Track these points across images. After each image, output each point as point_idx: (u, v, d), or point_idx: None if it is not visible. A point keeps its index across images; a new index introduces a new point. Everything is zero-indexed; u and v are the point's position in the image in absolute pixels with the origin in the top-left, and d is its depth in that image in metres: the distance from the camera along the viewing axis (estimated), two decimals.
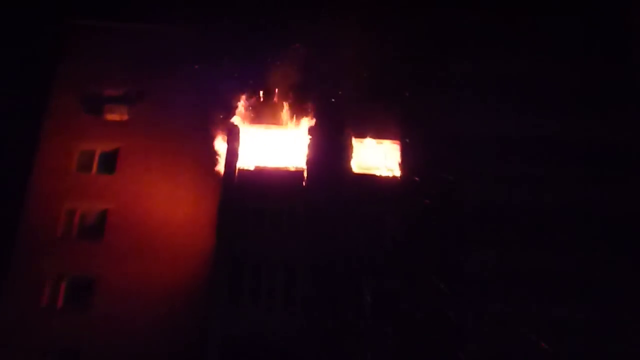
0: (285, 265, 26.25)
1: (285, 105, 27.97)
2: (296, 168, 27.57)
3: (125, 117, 28.44)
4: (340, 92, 27.98)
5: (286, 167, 27.73)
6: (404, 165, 27.80)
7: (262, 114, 27.94)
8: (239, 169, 27.33)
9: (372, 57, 28.05)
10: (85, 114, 28.56)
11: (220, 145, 27.85)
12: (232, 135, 27.62)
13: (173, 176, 27.76)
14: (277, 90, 28.03)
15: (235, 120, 27.71)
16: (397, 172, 27.95)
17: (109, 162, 28.19)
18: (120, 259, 26.96)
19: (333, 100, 27.96)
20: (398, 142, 28.12)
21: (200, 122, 27.65)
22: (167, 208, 27.34)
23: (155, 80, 28.89)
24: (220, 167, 27.51)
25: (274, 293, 25.79)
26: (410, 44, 28.77)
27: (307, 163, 27.49)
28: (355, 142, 28.06)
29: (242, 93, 27.83)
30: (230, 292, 25.60)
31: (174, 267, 26.79)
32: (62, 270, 26.81)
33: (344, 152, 27.78)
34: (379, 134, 28.22)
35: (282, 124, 28.09)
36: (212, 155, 27.75)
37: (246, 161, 27.69)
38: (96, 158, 28.19)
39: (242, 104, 27.73)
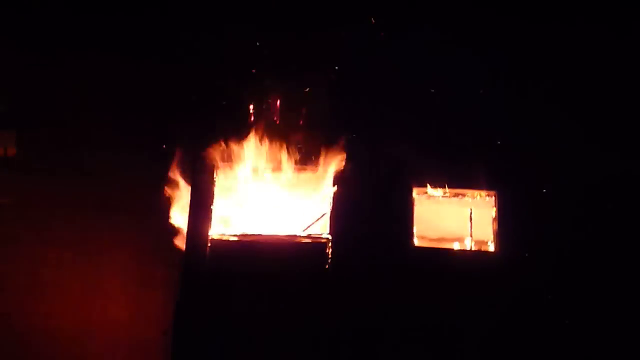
0: None
1: (295, 131, 16.14)
2: (314, 238, 15.64)
3: (13, 152, 16.32)
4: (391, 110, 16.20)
5: (296, 236, 15.73)
6: (503, 234, 15.77)
7: (255, 148, 16.02)
8: (212, 239, 15.50)
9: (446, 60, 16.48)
10: None
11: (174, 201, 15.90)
12: (202, 182, 15.72)
13: (90, 260, 15.67)
14: (278, 104, 16.24)
15: (208, 157, 15.88)
16: (492, 246, 15.99)
17: None
18: None
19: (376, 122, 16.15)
20: (494, 194, 16.11)
21: (140, 161, 15.74)
22: (84, 320, 15.56)
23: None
24: (179, 240, 15.69)
25: None
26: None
27: (333, 229, 15.58)
28: (417, 195, 16.08)
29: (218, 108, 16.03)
30: None
31: None
32: None
33: (399, 212, 15.82)
34: (460, 182, 16.15)
35: (289, 168, 16.13)
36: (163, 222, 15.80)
37: (225, 227, 15.91)
38: None
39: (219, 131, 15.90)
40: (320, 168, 15.89)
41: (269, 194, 15.98)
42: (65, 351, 15.44)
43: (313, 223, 15.83)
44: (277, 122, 16.05)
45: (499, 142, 16.03)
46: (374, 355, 14.84)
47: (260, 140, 15.83)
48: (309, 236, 15.62)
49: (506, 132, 16.13)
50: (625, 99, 16.31)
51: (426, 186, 15.94)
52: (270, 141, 15.88)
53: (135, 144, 15.93)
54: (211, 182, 15.71)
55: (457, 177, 15.96)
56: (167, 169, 15.63)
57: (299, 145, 15.86)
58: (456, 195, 16.06)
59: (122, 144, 16.03)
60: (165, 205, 15.66)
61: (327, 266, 15.31)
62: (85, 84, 16.28)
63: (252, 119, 16.02)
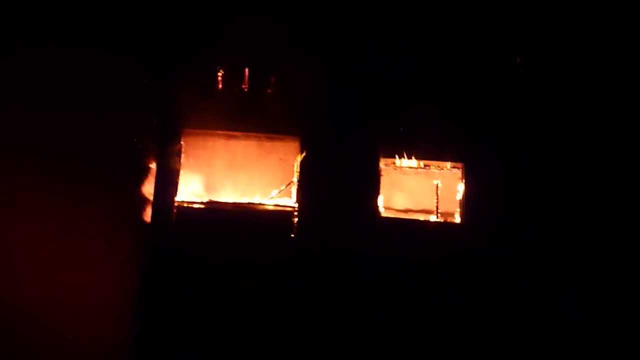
0: None
1: (263, 98, 16.01)
2: (281, 206, 15.62)
3: None
4: (359, 80, 16.11)
5: (262, 205, 15.72)
6: (469, 206, 15.86)
7: (220, 113, 15.91)
8: (178, 205, 15.45)
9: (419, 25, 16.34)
10: None
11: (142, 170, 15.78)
12: (169, 147, 15.59)
13: (55, 226, 15.21)
14: (247, 72, 16.12)
15: (175, 122, 15.72)
16: (457, 218, 16.10)
17: None
18: None
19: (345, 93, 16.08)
20: (460, 165, 16.14)
21: (108, 126, 15.60)
22: (48, 286, 15.31)
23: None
24: (144, 208, 15.59)
25: None
26: None
27: (300, 197, 15.63)
28: (384, 165, 16.09)
29: (187, 75, 15.86)
30: None
31: None
32: None
33: (366, 182, 15.83)
34: (428, 154, 16.19)
35: (254, 132, 16.02)
36: (128, 188, 15.71)
37: (191, 193, 15.85)
38: None
39: (186, 96, 15.75)
40: (288, 137, 15.84)
41: (236, 162, 15.89)
42: (30, 318, 15.25)
43: (279, 191, 15.79)
44: (245, 89, 15.91)
45: (467, 114, 16.01)
46: (339, 322, 14.85)
47: (228, 107, 15.72)
48: (275, 205, 15.60)
49: (474, 104, 16.09)
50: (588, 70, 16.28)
51: (394, 157, 15.94)
52: (238, 109, 15.79)
53: (102, 108, 15.68)
54: (178, 149, 15.63)
55: (424, 148, 15.96)
56: (134, 136, 15.45)
57: (266, 113, 15.78)
58: (424, 166, 16.06)
59: (88, 109, 15.76)
60: (132, 171, 15.50)
61: (292, 234, 15.29)
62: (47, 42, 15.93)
63: (220, 85, 15.88)
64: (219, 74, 15.89)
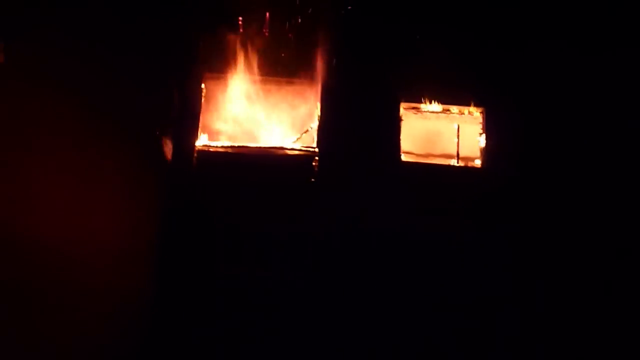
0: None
1: (284, 44, 16.01)
2: (302, 150, 15.66)
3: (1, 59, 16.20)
4: (379, 26, 16.06)
5: (283, 148, 15.75)
6: (490, 150, 15.81)
7: (241, 58, 15.92)
8: (199, 150, 15.50)
9: None
10: None
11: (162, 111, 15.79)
12: (190, 92, 15.63)
13: (76, 170, 15.34)
14: (268, 16, 16.11)
15: (195, 67, 15.76)
16: (478, 162, 16.05)
17: None
18: None
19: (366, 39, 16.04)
20: (481, 109, 16.08)
21: (128, 71, 15.62)
22: (65, 226, 15.50)
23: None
24: (165, 150, 15.63)
25: None
26: None
27: (321, 142, 15.62)
28: (405, 110, 16.02)
29: (207, 21, 15.88)
30: None
31: (91, 322, 15.15)
32: None
33: (386, 127, 15.80)
34: (448, 97, 16.02)
35: (275, 76, 16.03)
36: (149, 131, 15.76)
37: (212, 138, 15.91)
38: None
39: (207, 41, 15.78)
40: (309, 81, 15.83)
41: (258, 106, 15.91)
42: (52, 260, 15.37)
43: (300, 135, 15.81)
44: (267, 34, 15.91)
45: (488, 59, 15.94)
46: (355, 261, 14.88)
47: (249, 52, 15.74)
48: (295, 149, 15.61)
49: (495, 48, 16.01)
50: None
51: (414, 101, 15.90)
52: (259, 53, 15.80)
53: (123, 54, 15.72)
54: (199, 93, 15.68)
55: (445, 92, 15.91)
56: (156, 79, 15.51)
57: (287, 58, 15.78)
58: (444, 111, 16.02)
59: (110, 56, 15.81)
60: (154, 115, 15.56)
61: (313, 178, 15.31)
62: None
63: (242, 30, 15.87)
64: (240, 18, 15.87)
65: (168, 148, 15.38)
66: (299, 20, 15.87)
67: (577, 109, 15.64)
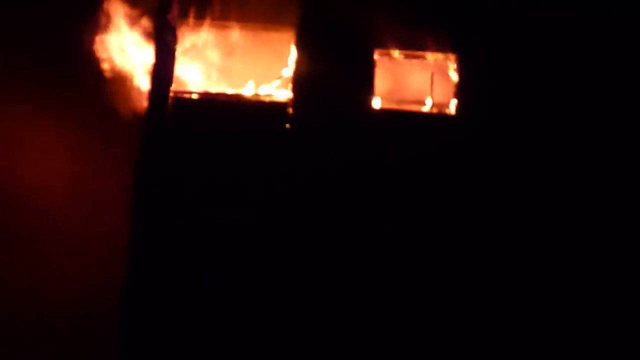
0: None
1: None
2: (275, 98, 15.74)
3: None
4: None
5: (257, 96, 15.83)
6: (464, 95, 15.94)
7: (216, 3, 15.91)
8: (173, 96, 15.56)
9: None
10: None
11: (137, 58, 15.87)
12: (164, 38, 15.66)
13: (52, 115, 15.50)
14: None
15: (170, 13, 15.76)
16: (452, 109, 16.15)
17: None
18: None
19: None
20: (454, 56, 16.14)
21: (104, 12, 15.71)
22: (45, 175, 15.70)
23: None
24: (140, 96, 15.69)
25: None
26: None
27: (295, 89, 15.71)
28: (379, 56, 16.11)
29: None
30: None
31: (67, 267, 15.45)
32: None
33: (360, 74, 15.88)
34: (421, 44, 16.09)
35: (250, 22, 16.05)
36: (124, 76, 15.82)
37: (187, 84, 15.96)
38: None
39: None
40: (283, 27, 15.86)
41: (232, 53, 15.95)
42: (27, 205, 15.61)
43: (275, 83, 15.87)
44: None
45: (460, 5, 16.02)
46: (328, 204, 15.08)
47: None
48: (270, 96, 15.70)
49: None
50: None
51: (388, 48, 15.96)
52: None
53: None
54: (173, 39, 15.68)
55: (419, 38, 15.96)
56: (130, 26, 15.60)
57: (262, 3, 15.80)
58: (418, 57, 16.10)
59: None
60: (128, 62, 15.65)
61: (287, 125, 15.43)
62: None
63: None
64: None
65: (144, 95, 15.46)
66: None
67: (549, 58, 15.78)
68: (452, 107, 15.98)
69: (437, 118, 15.97)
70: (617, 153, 15.66)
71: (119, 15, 15.68)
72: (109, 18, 15.63)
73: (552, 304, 15.07)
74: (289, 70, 15.79)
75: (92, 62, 15.49)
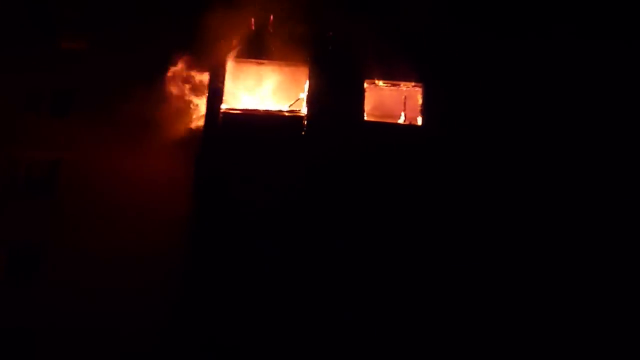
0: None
1: (282, 37, 22.81)
2: (294, 113, 22.53)
3: (84, 47, 23.24)
4: (350, 24, 22.83)
5: (281, 111, 22.62)
6: (427, 112, 22.72)
7: (253, 47, 22.73)
8: (223, 112, 22.22)
9: None
10: (34, 40, 23.23)
11: (199, 85, 22.84)
12: (217, 71, 22.44)
13: (141, 124, 22.46)
14: (272, 18, 22.91)
15: (221, 54, 22.56)
16: (419, 121, 22.84)
17: (63, 103, 23.07)
18: (75, 221, 22.29)
19: (340, 34, 22.83)
20: (421, 85, 22.97)
21: (177, 56, 22.68)
22: (134, 161, 22.45)
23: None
24: (201, 112, 22.53)
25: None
26: None
27: (308, 107, 22.37)
28: (367, 85, 22.82)
29: (229, 21, 22.66)
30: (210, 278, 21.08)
31: (143, 232, 22.08)
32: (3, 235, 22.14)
33: (354, 97, 22.61)
34: (398, 76, 22.92)
35: (276, 60, 22.86)
36: (190, 97, 22.84)
37: (232, 104, 22.64)
38: (47, 97, 23.15)
39: (229, 35, 22.59)
40: (300, 64, 22.59)
41: (264, 81, 22.70)
42: (126, 188, 22.35)
43: (294, 103, 22.55)
44: (271, 31, 22.61)
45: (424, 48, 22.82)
46: (334, 189, 21.68)
47: (258, 43, 22.49)
48: (291, 111, 22.37)
49: (434, 39, 22.85)
50: None
51: (373, 79, 22.68)
52: (265, 44, 22.55)
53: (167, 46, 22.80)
54: (223, 72, 22.40)
55: (396, 73, 22.71)
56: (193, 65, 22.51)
57: (285, 48, 22.49)
58: (395, 85, 22.82)
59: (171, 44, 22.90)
60: (191, 92, 22.58)
61: (302, 132, 22.05)
62: None
63: (253, 27, 22.60)
64: (252, 20, 22.60)
65: (203, 112, 22.21)
66: (295, 23, 22.52)
67: (491, 85, 22.60)
68: (419, 121, 22.67)
69: (408, 128, 22.71)
70: (548, 154, 22.32)
71: (186, 60, 22.53)
72: (180, 63, 22.50)
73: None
74: (304, 94, 22.45)
75: (169, 93, 22.32)
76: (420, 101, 22.74)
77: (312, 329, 20.66)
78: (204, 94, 22.44)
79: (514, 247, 21.58)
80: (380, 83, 22.82)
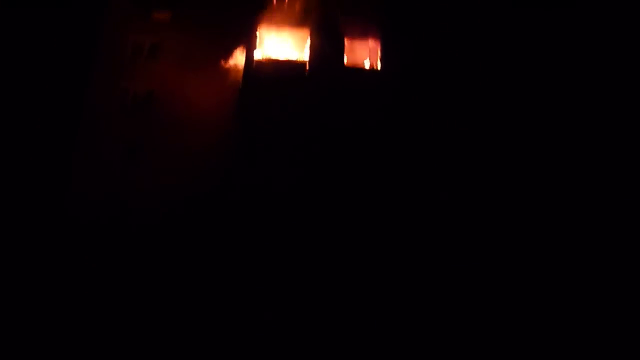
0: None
1: (294, 10, 35.67)
2: (300, 60, 35.39)
3: (168, 17, 36.24)
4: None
5: (292, 59, 35.56)
6: (384, 61, 35.63)
7: (276, 17, 35.60)
8: (256, 61, 35.13)
9: None
10: (137, 13, 36.38)
11: (242, 42, 35.72)
12: (252, 36, 35.36)
13: (205, 66, 35.48)
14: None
15: (255, 22, 35.45)
16: (379, 67, 35.69)
17: (155, 53, 36.11)
18: (161, 127, 35.45)
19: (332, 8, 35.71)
20: (379, 41, 35.87)
21: (228, 23, 35.69)
22: (200, 91, 35.34)
23: None
24: (242, 60, 35.45)
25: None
26: None
27: (309, 57, 35.33)
28: (347, 41, 35.74)
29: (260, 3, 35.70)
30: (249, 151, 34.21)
31: (204, 131, 34.98)
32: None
33: (338, 49, 35.53)
34: (365, 34, 35.94)
35: (289, 26, 35.77)
36: (235, 50, 35.83)
37: (262, 55, 35.64)
38: (144, 49, 36.12)
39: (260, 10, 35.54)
40: (304, 28, 35.60)
41: (285, 38, 35.74)
42: (189, 116, 35.42)
43: (301, 53, 35.60)
44: (285, 8, 35.60)
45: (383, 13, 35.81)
46: (330, 122, 34.78)
47: (279, 14, 35.46)
48: (298, 60, 35.41)
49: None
50: None
51: (351, 37, 35.69)
52: (285, 14, 35.50)
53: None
54: (254, 37, 35.44)
55: (364, 32, 35.79)
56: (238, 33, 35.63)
57: (296, 16, 35.37)
58: (364, 40, 35.90)
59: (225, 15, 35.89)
60: (237, 46, 35.73)
61: (305, 72, 35.06)
62: None
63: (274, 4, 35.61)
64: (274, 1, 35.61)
65: (242, 60, 35.26)
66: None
67: (439, 38, 35.64)
68: (379, 66, 35.67)
69: (371, 72, 35.86)
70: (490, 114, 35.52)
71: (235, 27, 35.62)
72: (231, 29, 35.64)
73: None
74: (307, 47, 35.41)
75: (224, 48, 35.51)
76: (379, 53, 35.71)
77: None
78: (244, 50, 35.32)
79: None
80: (354, 40, 35.79)
